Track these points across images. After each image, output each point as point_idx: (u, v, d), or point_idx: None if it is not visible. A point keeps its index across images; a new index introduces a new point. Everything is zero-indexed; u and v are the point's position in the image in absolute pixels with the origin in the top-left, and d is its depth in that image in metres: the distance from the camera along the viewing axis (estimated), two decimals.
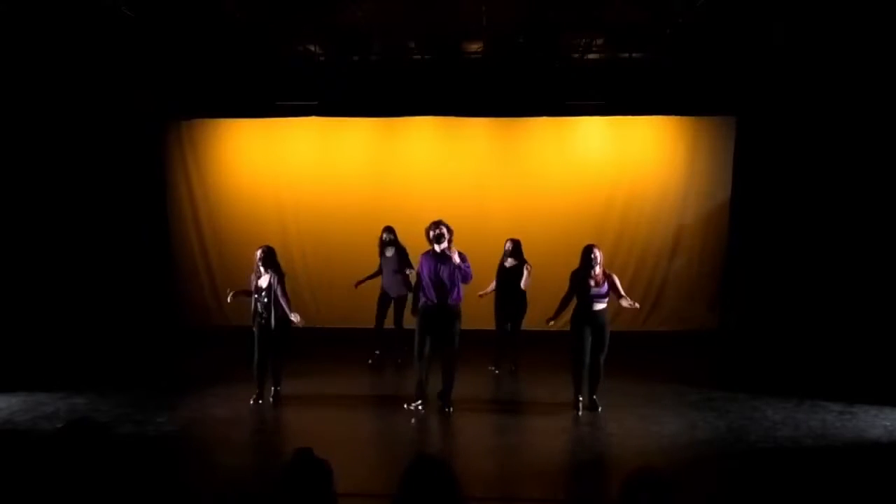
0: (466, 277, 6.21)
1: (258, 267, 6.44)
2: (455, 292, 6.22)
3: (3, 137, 7.65)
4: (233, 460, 5.29)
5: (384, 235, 7.84)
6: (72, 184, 8.59)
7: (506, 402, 6.87)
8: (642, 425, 5.99)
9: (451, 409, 6.34)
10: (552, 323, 6.34)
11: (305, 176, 9.81)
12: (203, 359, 8.36)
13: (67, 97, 8.25)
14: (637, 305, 6.45)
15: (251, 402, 6.54)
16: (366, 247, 8.09)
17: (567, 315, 6.44)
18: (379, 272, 7.97)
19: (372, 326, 8.01)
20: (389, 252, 7.80)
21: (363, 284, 8.04)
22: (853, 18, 6.86)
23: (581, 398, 6.35)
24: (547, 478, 5.09)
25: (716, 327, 9.40)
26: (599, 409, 6.36)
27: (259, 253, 6.46)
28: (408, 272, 7.63)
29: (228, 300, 6.54)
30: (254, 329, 6.51)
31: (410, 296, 7.12)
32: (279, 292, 6.38)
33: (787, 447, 5.51)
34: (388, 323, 8.03)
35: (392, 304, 7.96)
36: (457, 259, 6.08)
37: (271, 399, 6.65)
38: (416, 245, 7.05)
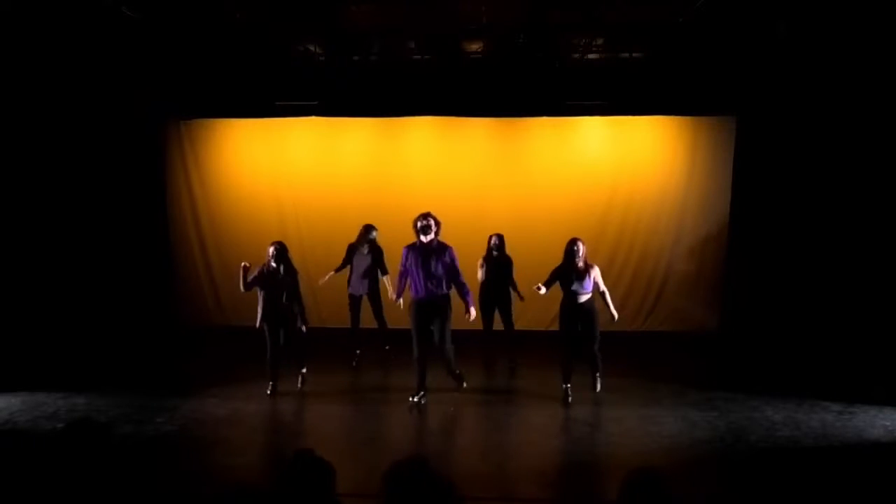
0: (459, 277, 6.29)
1: (269, 262, 6.55)
2: (445, 284, 6.24)
3: (3, 137, 7.65)
4: (233, 460, 5.28)
5: (366, 231, 7.82)
6: (72, 184, 8.58)
7: (505, 401, 6.86)
8: (642, 425, 5.98)
9: (466, 384, 6.71)
10: (539, 289, 6.34)
11: (305, 176, 9.80)
12: (203, 359, 8.36)
13: (68, 97, 8.24)
14: (616, 316, 6.62)
15: (267, 392, 6.75)
16: None
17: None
18: (343, 267, 7.96)
19: (377, 327, 8.11)
20: (366, 250, 7.78)
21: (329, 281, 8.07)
22: (854, 18, 6.86)
23: (568, 386, 6.52)
24: (546, 477, 5.08)
25: (716, 327, 9.40)
26: (598, 389, 6.68)
27: (272, 250, 6.59)
28: (382, 277, 7.79)
29: (248, 265, 6.52)
30: (256, 325, 6.63)
31: (388, 287, 7.55)
32: (294, 293, 6.71)
33: (787, 447, 5.50)
34: (369, 323, 8.07)
35: (362, 302, 7.95)
36: (450, 258, 6.21)
37: (299, 384, 6.95)
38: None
